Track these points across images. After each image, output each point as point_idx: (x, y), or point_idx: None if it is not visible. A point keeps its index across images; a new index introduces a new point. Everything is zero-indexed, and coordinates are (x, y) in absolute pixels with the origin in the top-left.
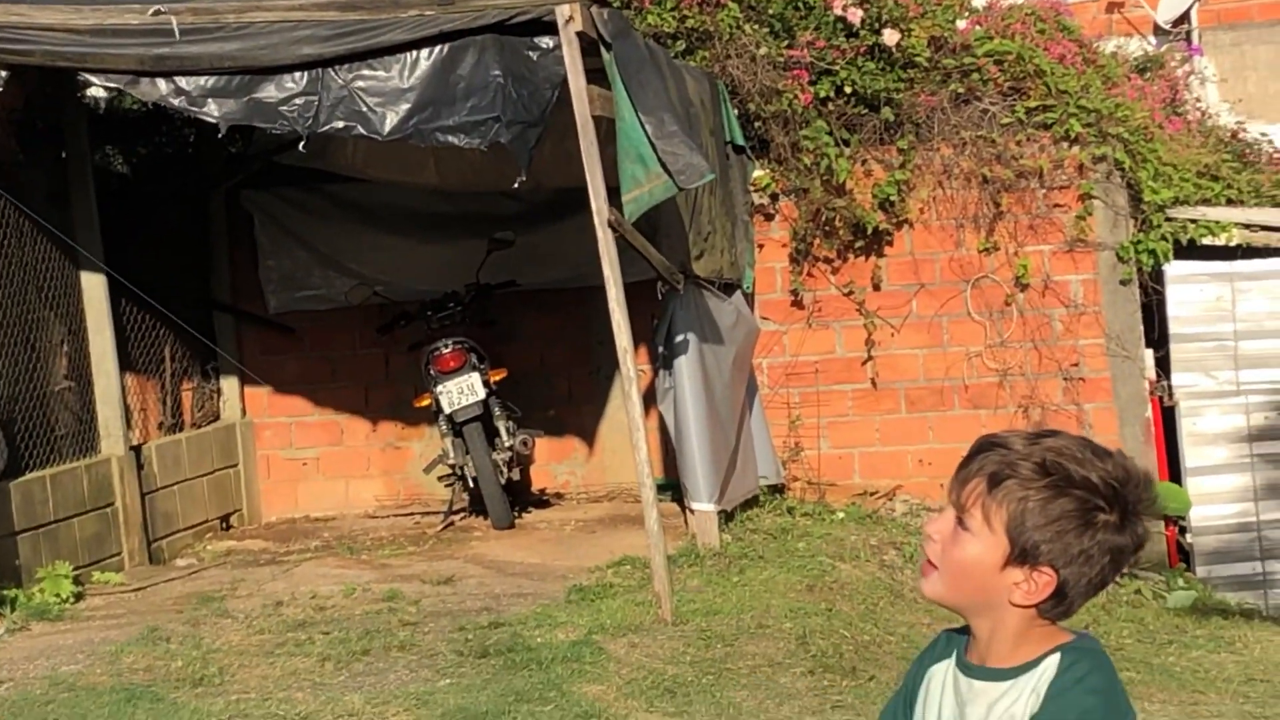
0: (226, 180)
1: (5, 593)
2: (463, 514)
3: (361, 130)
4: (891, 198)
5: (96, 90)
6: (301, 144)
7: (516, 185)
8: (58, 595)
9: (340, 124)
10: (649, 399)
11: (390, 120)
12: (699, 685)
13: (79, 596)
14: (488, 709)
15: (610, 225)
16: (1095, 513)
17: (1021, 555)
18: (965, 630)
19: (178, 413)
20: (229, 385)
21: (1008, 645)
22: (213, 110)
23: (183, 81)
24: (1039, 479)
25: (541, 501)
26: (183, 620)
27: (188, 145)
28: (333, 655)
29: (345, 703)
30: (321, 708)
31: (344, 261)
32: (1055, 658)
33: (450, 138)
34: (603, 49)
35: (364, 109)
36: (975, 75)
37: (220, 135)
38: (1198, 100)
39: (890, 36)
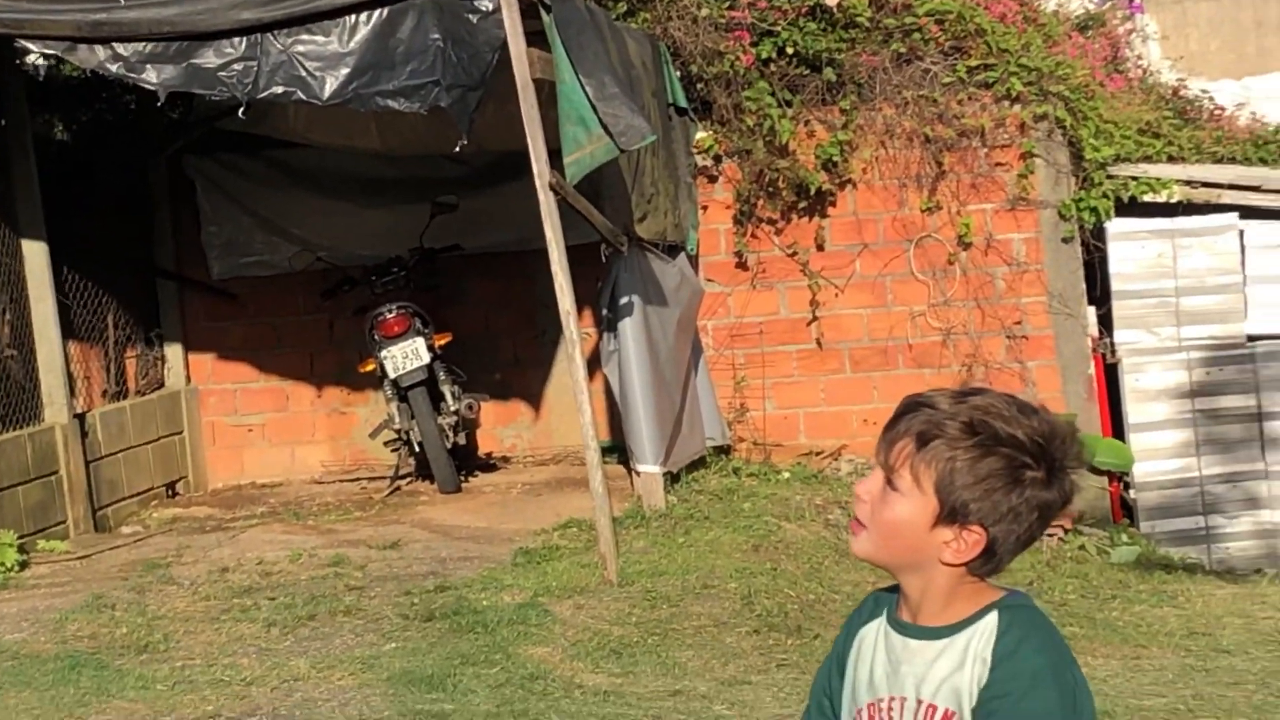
0: (168, 147)
1: None
2: (409, 479)
3: (301, 95)
4: (834, 158)
5: (35, 57)
6: (241, 110)
7: (458, 149)
8: (2, 564)
9: (280, 89)
10: (594, 362)
11: (330, 85)
12: (644, 646)
13: (23, 565)
14: (433, 672)
15: (552, 188)
16: (1023, 470)
17: (951, 514)
18: (894, 589)
19: (122, 380)
20: (173, 352)
21: (939, 603)
22: (151, 77)
23: (120, 48)
24: (966, 438)
25: (487, 465)
26: (128, 587)
27: (128, 112)
28: (278, 621)
29: (291, 667)
30: (267, 673)
31: (287, 227)
32: (992, 618)
33: (390, 102)
34: (542, 11)
35: (303, 74)
36: (916, 35)
37: (160, 102)
38: (1139, 58)
39: None
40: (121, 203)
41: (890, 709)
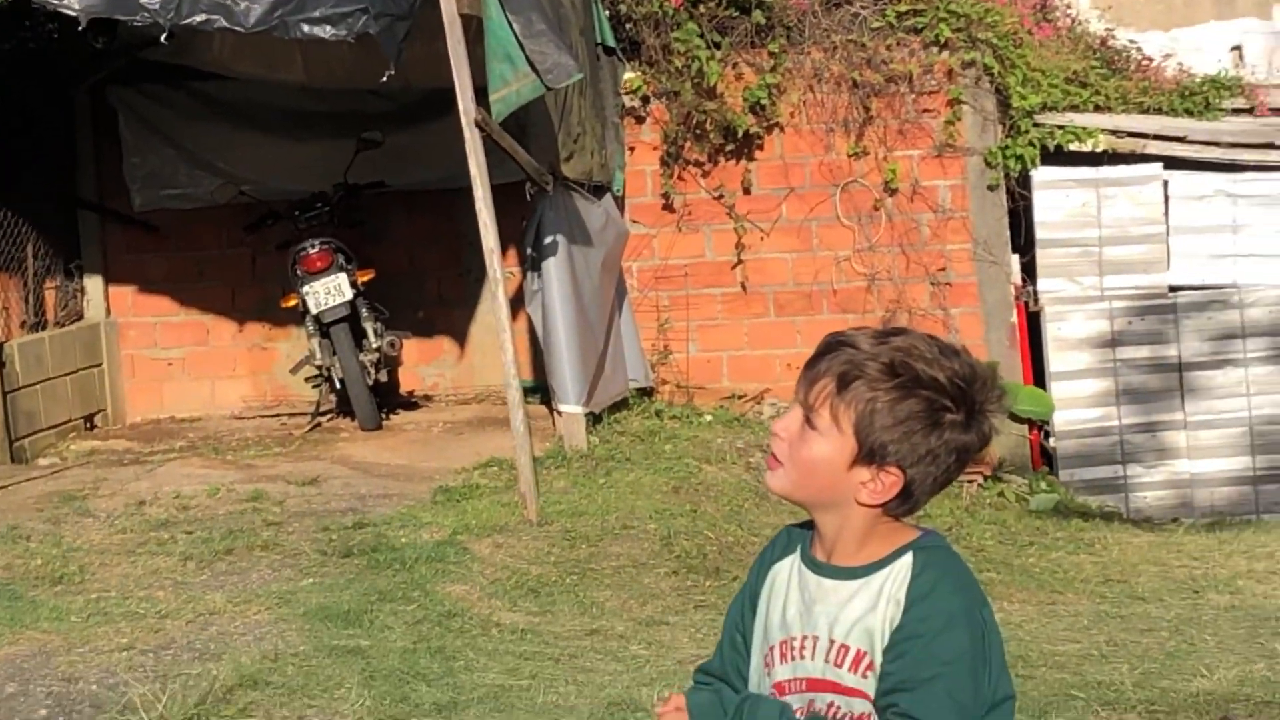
0: (91, 76)
1: None
2: (329, 415)
3: (225, 23)
4: (762, 101)
5: None
6: (164, 36)
7: (385, 79)
8: None
9: (203, 17)
10: (518, 301)
11: (254, 12)
12: (563, 585)
13: None
14: (350, 608)
15: (477, 125)
16: (942, 413)
17: (869, 455)
18: (808, 525)
19: (40, 311)
20: (93, 284)
21: (854, 543)
22: (73, 2)
23: None
24: (887, 380)
25: (409, 403)
26: (43, 519)
27: (51, 40)
28: (195, 555)
29: (206, 601)
30: (182, 606)
31: (210, 160)
32: (907, 558)
33: (316, 30)
34: None
35: (227, 1)
36: None
37: (81, 28)
38: (1068, 7)
39: None
40: (43, 133)
41: (803, 647)
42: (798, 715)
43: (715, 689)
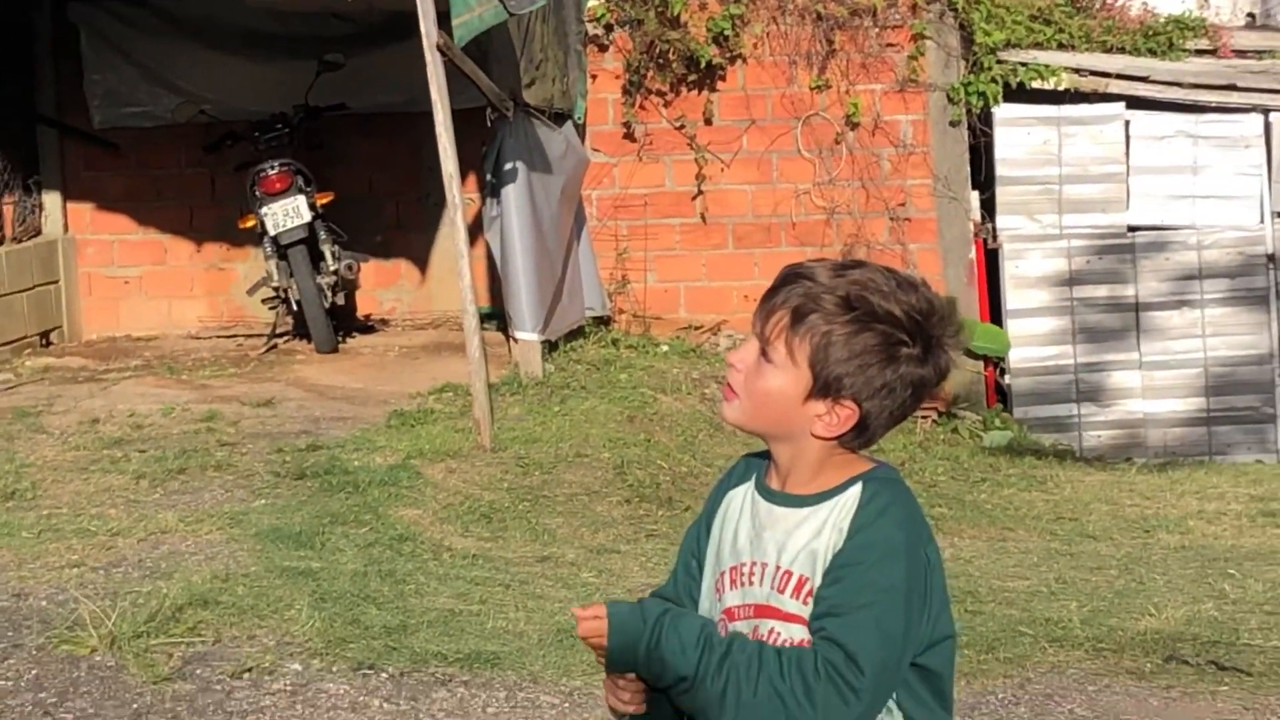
0: None
1: None
2: (286, 337)
3: None
4: (725, 32)
5: None
6: None
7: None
8: None
9: None
10: (476, 228)
11: None
12: (515, 511)
13: None
14: (301, 529)
15: (439, 49)
16: (898, 347)
17: (824, 388)
18: (765, 455)
19: None
20: (51, 200)
21: (807, 473)
22: None
23: None
24: (843, 313)
25: (366, 327)
26: None
27: None
28: (148, 473)
29: (158, 520)
30: (134, 524)
31: (171, 78)
32: (856, 489)
33: None
34: None
35: None
36: None
37: None
38: None
39: None
40: (3, 48)
41: (751, 573)
42: (722, 634)
43: (640, 601)
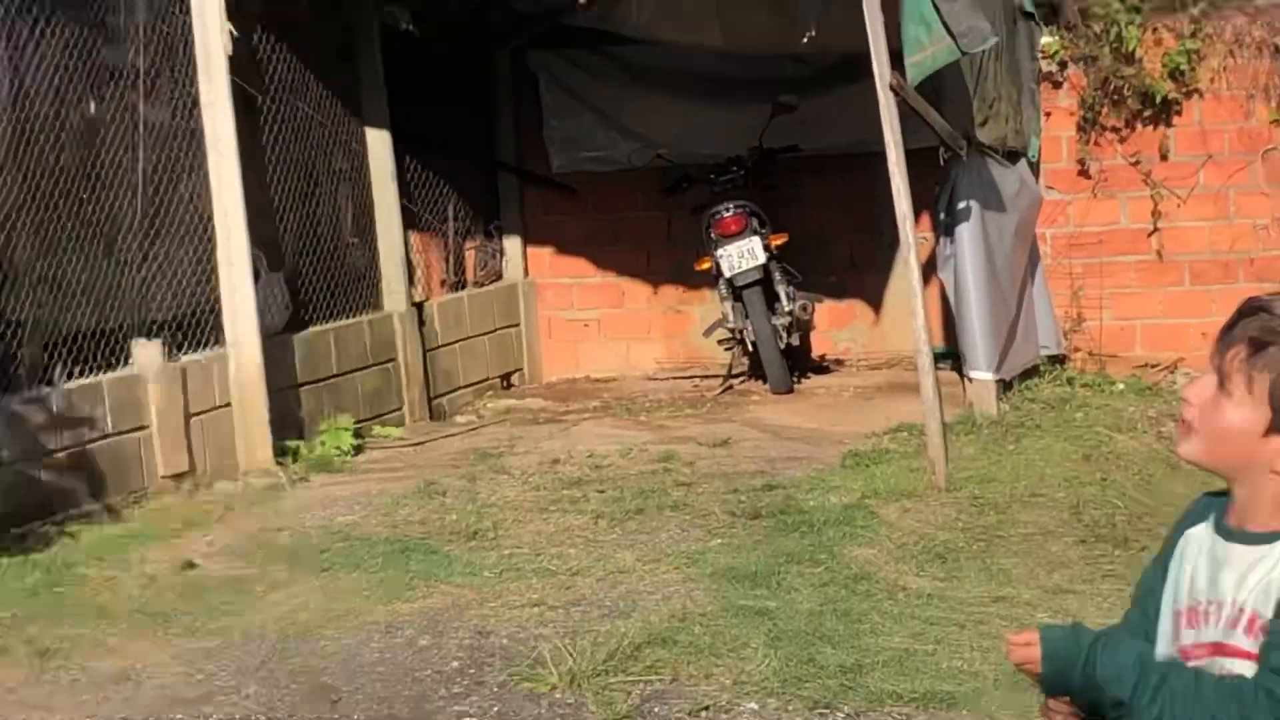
0: (513, 40)
1: (288, 444)
2: (741, 378)
3: None
4: (1181, 67)
5: None
6: (583, 1)
7: (805, 40)
8: (338, 448)
9: None
10: (930, 267)
11: None
12: (969, 551)
13: (358, 450)
14: (757, 569)
15: (893, 89)
16: None
17: None
18: (1224, 493)
19: (460, 271)
20: (512, 245)
21: (1266, 510)
22: None
23: None
24: None
25: (820, 368)
26: (459, 475)
27: (474, 5)
28: (606, 513)
29: (616, 559)
30: (593, 564)
31: (627, 124)
32: None
33: None
34: None
35: None
36: None
37: None
38: None
39: None
40: (465, 96)
41: (1207, 613)
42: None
43: (1075, 627)
